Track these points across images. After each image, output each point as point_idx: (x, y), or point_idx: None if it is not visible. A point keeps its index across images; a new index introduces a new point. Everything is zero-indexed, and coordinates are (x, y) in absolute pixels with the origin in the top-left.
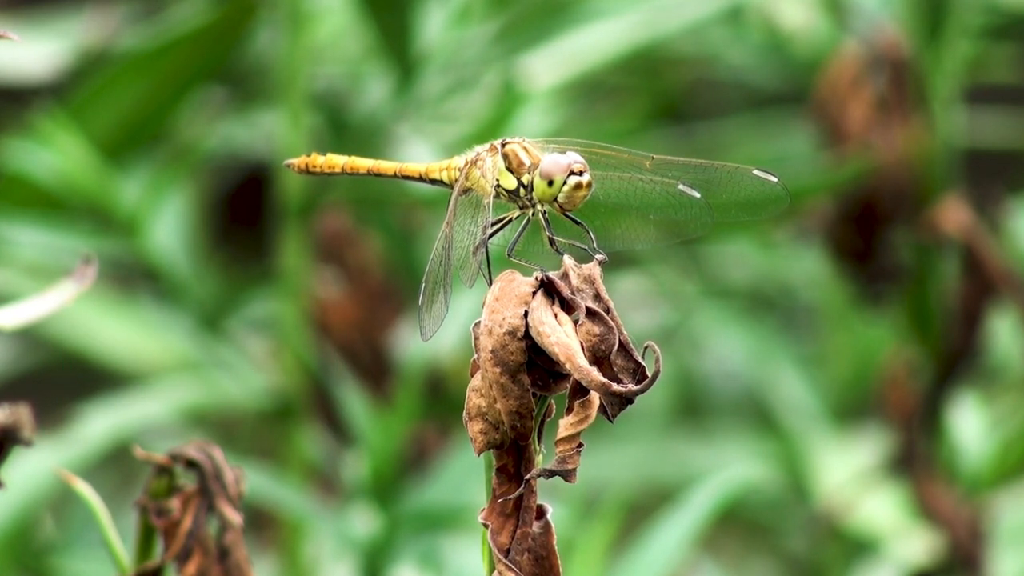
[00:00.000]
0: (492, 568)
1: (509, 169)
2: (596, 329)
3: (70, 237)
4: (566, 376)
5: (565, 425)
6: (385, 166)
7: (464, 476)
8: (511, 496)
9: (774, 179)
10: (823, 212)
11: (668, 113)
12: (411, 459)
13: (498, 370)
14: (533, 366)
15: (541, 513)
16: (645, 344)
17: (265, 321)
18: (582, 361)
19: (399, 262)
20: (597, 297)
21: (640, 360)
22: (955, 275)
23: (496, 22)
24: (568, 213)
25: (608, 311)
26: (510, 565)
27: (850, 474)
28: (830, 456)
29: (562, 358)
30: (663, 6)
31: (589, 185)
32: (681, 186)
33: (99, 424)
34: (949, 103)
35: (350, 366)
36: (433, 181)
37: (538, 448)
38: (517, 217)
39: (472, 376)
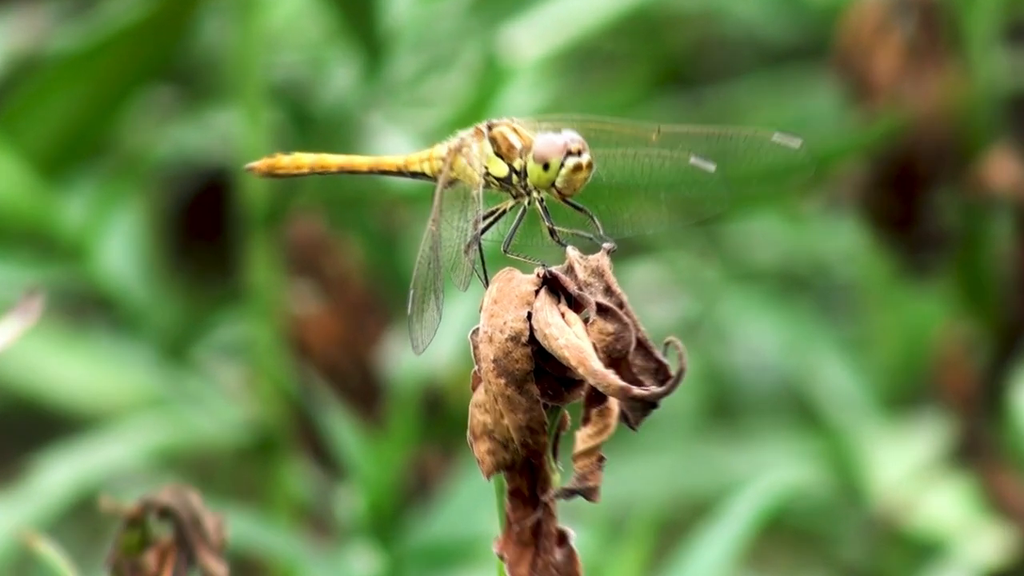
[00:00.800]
0: None
1: (498, 154)
2: (609, 327)
3: (9, 267)
4: (580, 382)
5: (583, 437)
6: (358, 162)
7: (473, 504)
8: (528, 522)
9: (797, 144)
10: (855, 177)
11: (673, 79)
12: (412, 489)
13: (503, 381)
14: (542, 374)
15: (563, 538)
16: (666, 340)
17: (236, 346)
18: (596, 364)
19: (382, 268)
20: (608, 291)
21: (662, 358)
22: (1009, 236)
23: None
24: (568, 199)
25: (621, 306)
26: None
27: (908, 470)
28: (884, 451)
29: (574, 362)
30: None
31: (590, 166)
32: (693, 159)
33: (59, 474)
34: (987, 44)
35: (336, 389)
36: (414, 174)
37: (554, 466)
38: (511, 208)
39: (474, 390)
